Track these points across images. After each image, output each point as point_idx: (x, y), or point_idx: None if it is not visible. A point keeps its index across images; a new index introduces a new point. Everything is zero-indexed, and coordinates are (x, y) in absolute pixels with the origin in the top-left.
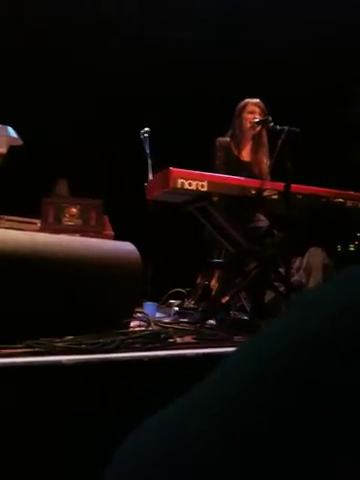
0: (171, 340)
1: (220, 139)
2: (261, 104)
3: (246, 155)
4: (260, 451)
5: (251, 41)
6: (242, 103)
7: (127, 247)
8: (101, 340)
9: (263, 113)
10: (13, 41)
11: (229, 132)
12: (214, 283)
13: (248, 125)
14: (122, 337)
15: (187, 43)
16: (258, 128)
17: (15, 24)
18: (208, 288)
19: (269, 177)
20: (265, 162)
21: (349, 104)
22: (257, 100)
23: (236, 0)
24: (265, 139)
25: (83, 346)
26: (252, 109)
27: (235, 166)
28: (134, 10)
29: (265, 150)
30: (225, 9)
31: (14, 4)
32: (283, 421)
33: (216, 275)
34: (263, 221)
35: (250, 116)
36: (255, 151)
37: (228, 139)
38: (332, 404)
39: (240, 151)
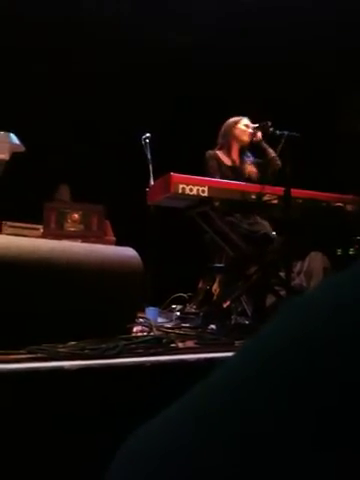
0: (173, 345)
1: (210, 151)
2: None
3: (236, 162)
4: (262, 450)
5: (251, 43)
6: (234, 118)
7: (128, 252)
8: (103, 345)
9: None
10: (13, 41)
11: (221, 143)
12: (216, 288)
13: (243, 136)
14: (124, 342)
15: (187, 45)
16: (251, 136)
17: (15, 24)
18: (210, 293)
19: (257, 179)
20: (253, 164)
21: (343, 114)
22: (247, 118)
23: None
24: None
25: (85, 351)
26: (246, 123)
27: (229, 173)
28: (134, 11)
29: (251, 161)
30: (225, 10)
31: (14, 4)
32: (285, 419)
33: (218, 280)
34: (262, 225)
35: (245, 128)
36: (243, 156)
37: (217, 151)
38: (333, 401)
39: (230, 159)
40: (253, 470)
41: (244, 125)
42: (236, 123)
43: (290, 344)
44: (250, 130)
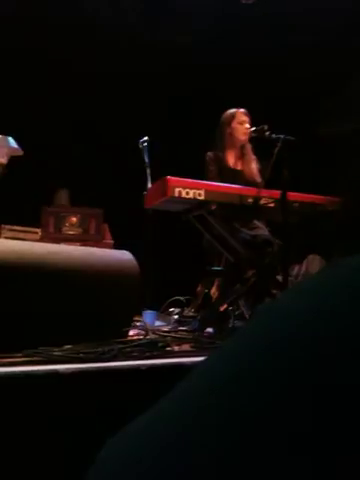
0: (169, 348)
1: (210, 153)
2: (248, 112)
3: (237, 164)
4: (247, 451)
5: (251, 43)
6: (229, 113)
7: (124, 256)
8: (99, 349)
9: (251, 121)
10: (13, 43)
11: (218, 145)
12: (214, 291)
13: (240, 135)
14: (120, 346)
15: (186, 46)
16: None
17: (15, 25)
18: (208, 296)
19: (262, 182)
20: (255, 167)
21: (323, 121)
22: (244, 109)
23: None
24: (250, 145)
25: (81, 355)
26: (242, 119)
27: (229, 176)
28: (134, 11)
29: (253, 156)
30: (225, 10)
31: (14, 5)
32: (268, 421)
33: (216, 283)
34: (261, 229)
35: (241, 126)
36: (244, 158)
37: (218, 152)
38: (315, 405)
39: (231, 161)
40: (241, 471)
41: (239, 122)
42: (231, 120)
43: (271, 345)
44: (247, 125)
